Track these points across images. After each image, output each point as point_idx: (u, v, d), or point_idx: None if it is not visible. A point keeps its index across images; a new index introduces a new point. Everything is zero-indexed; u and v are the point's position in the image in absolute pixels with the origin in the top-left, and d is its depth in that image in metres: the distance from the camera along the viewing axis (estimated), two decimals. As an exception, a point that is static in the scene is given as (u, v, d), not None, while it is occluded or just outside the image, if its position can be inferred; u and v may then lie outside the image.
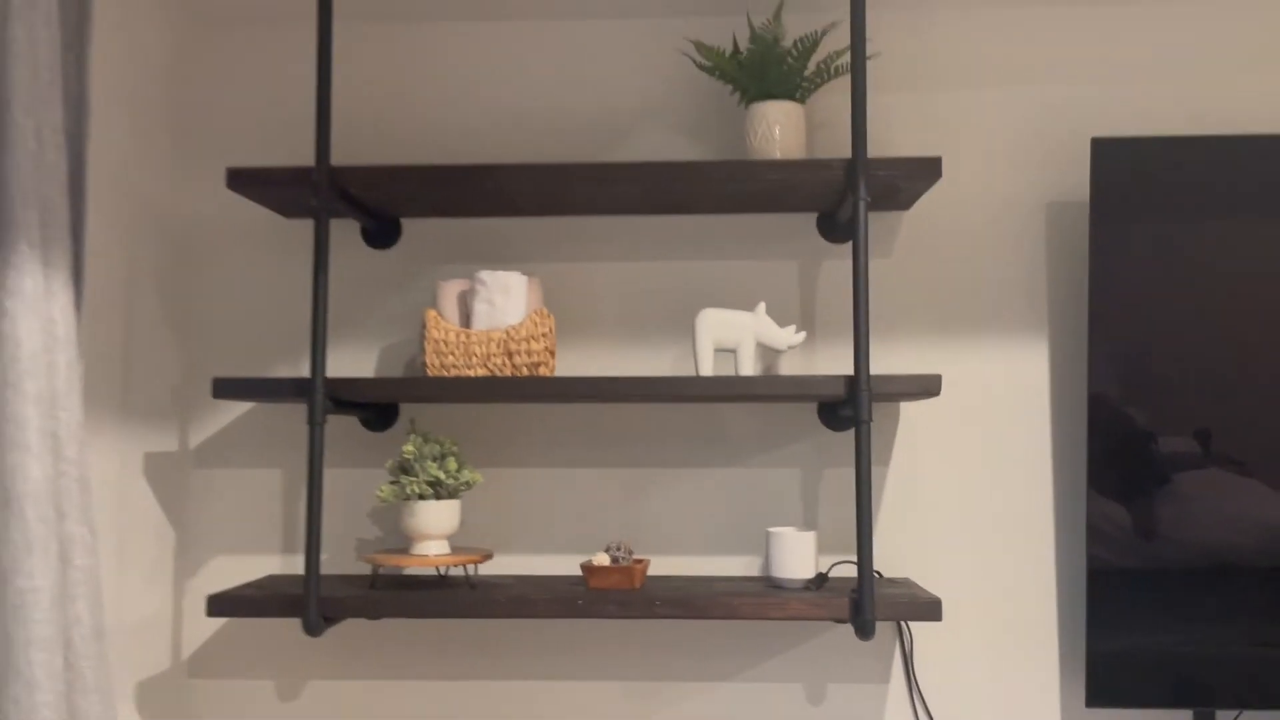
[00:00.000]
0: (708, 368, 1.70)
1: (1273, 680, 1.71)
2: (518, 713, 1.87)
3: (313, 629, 1.62)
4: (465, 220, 1.93)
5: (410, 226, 1.94)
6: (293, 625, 1.90)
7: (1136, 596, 1.71)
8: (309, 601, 1.62)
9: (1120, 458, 1.72)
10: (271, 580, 1.82)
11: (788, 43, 1.75)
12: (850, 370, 1.84)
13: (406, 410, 1.92)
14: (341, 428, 1.91)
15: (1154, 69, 1.87)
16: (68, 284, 1.19)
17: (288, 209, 1.86)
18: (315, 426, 1.63)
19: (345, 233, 1.93)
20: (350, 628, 1.90)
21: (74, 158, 1.26)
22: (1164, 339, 1.72)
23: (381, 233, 1.94)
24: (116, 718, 1.18)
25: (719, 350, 1.72)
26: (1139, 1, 1.88)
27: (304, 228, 1.95)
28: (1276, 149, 1.71)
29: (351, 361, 1.92)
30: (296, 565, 1.92)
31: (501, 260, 1.92)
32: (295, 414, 1.93)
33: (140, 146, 1.82)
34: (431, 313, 1.74)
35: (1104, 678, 1.71)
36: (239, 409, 1.94)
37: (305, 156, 1.94)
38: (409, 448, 1.71)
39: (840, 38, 1.86)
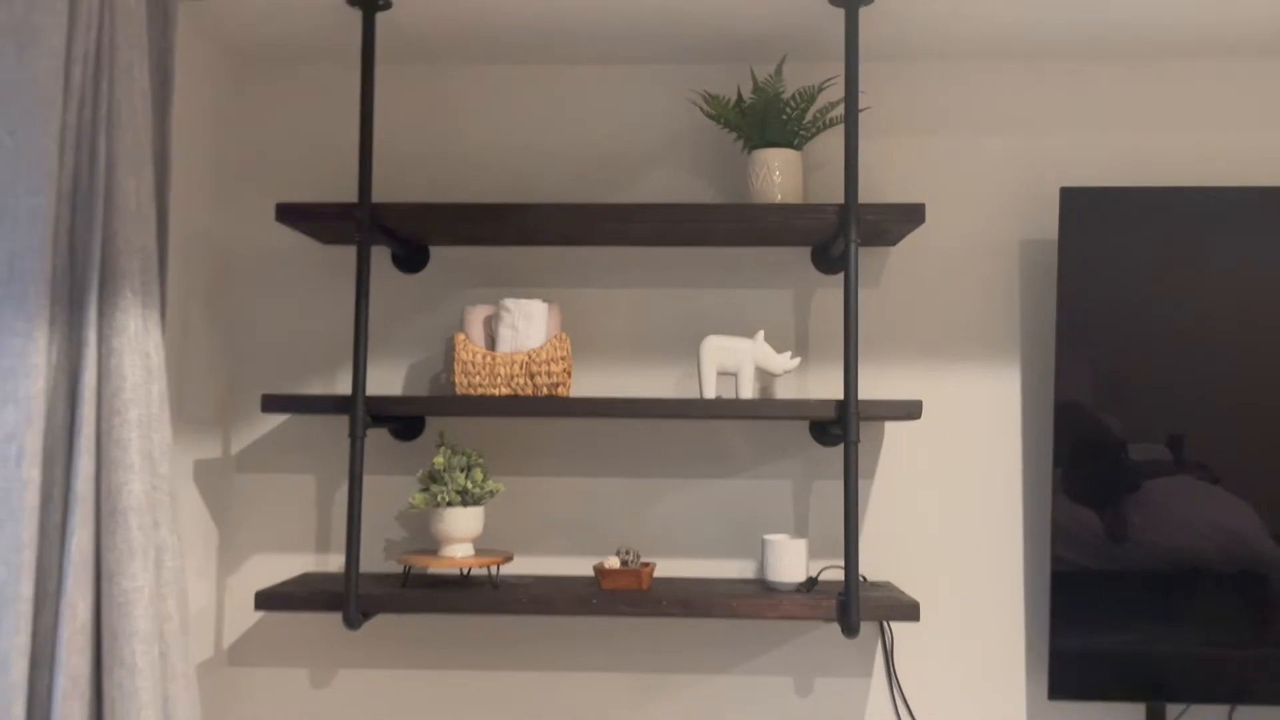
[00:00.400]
0: (711, 390, 1.88)
1: (1219, 676, 1.90)
2: (532, 702, 2.05)
3: (352, 624, 1.79)
4: (489, 249, 2.10)
5: (437, 253, 2.11)
6: (325, 618, 2.07)
7: (1096, 598, 1.90)
8: (349, 599, 1.79)
9: (1083, 471, 1.91)
10: (308, 578, 1.99)
11: (787, 94, 1.93)
12: (840, 393, 2.02)
13: (432, 423, 2.09)
14: (371, 438, 2.07)
15: (1116, 124, 2.05)
16: (158, 321, 1.36)
17: (325, 237, 2.02)
18: (356, 439, 1.80)
19: (376, 257, 2.10)
20: (377, 621, 2.07)
21: (160, 207, 1.42)
22: (1124, 363, 1.91)
23: (410, 259, 2.10)
24: (197, 700, 1.35)
25: (721, 373, 1.90)
26: (1104, 61, 2.06)
27: (338, 253, 2.12)
28: (1223, 198, 1.90)
29: (380, 377, 2.09)
30: (329, 564, 2.09)
31: (521, 285, 2.09)
32: (329, 425, 2.09)
33: (190, 179, 1.98)
34: (460, 336, 1.91)
35: (1064, 673, 1.90)
36: (277, 420, 2.11)
37: (334, 187, 2.10)
38: (439, 460, 1.88)
39: (834, 90, 2.04)
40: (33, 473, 1.18)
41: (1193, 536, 1.90)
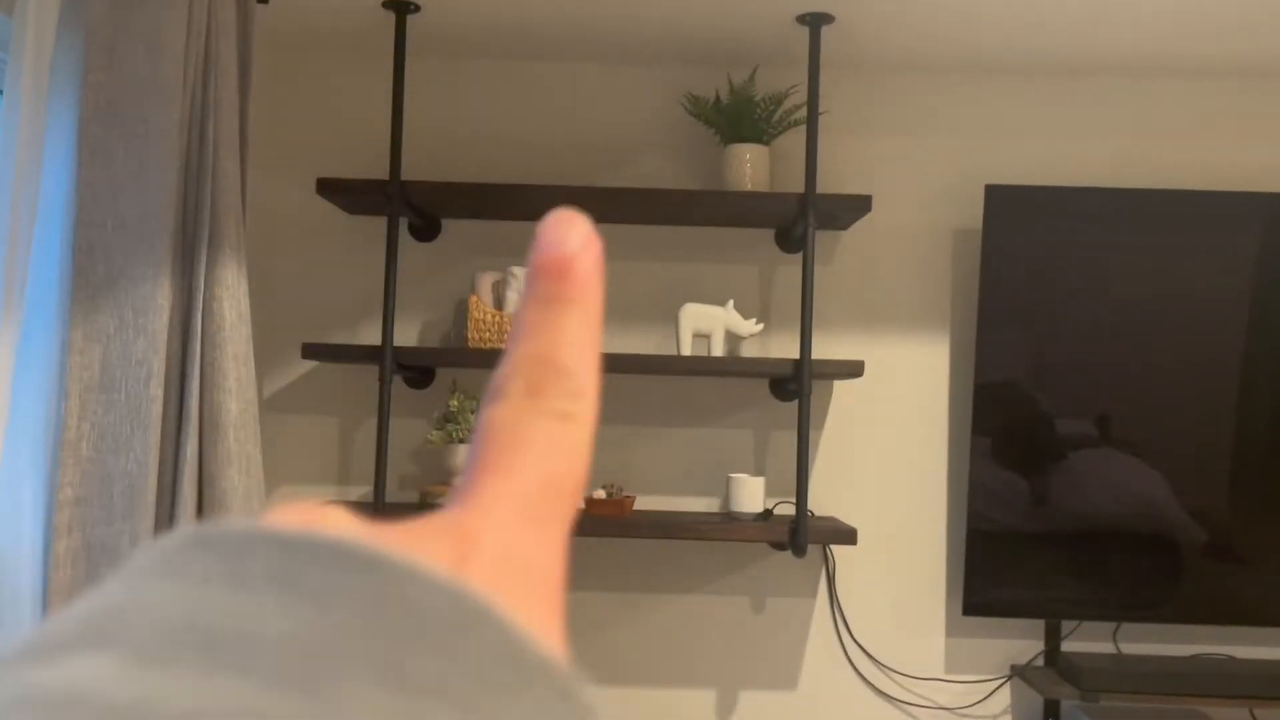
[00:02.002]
0: (687, 349, 2.21)
1: (1109, 602, 2.27)
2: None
3: (379, 539, 2.10)
4: (495, 222, 2.41)
5: (449, 225, 2.41)
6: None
7: (1004, 535, 2.26)
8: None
9: (996, 431, 2.27)
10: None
11: (758, 97, 2.25)
12: (796, 355, 2.35)
13: (441, 374, 2.40)
14: (390, 385, 2.38)
15: (1038, 129, 2.41)
16: (245, 274, 1.66)
17: (353, 209, 2.32)
18: (385, 384, 2.11)
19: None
20: (393, 545, 2.38)
21: (242, 179, 1.72)
22: (1035, 337, 2.27)
23: (425, 229, 2.40)
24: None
25: (696, 335, 2.23)
26: (1028, 76, 2.41)
27: (359, 222, 2.41)
28: (1131, 199, 2.26)
29: (396, 333, 2.39)
30: (349, 495, 2.40)
31: (523, 255, 2.40)
32: (350, 373, 2.39)
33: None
34: (474, 298, 2.22)
35: (975, 596, 2.26)
36: (303, 368, 2.41)
37: (355, 163, 2.40)
38: (454, 402, 2.20)
39: (799, 94, 2.36)
40: (157, 391, 1.48)
41: (1105, 502, 2.26)
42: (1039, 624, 2.35)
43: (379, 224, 2.41)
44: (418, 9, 2.13)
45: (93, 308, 1.45)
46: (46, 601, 1.42)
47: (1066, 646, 2.34)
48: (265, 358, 2.40)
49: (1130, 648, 2.34)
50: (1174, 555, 2.24)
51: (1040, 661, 2.34)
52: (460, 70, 2.42)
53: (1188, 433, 2.24)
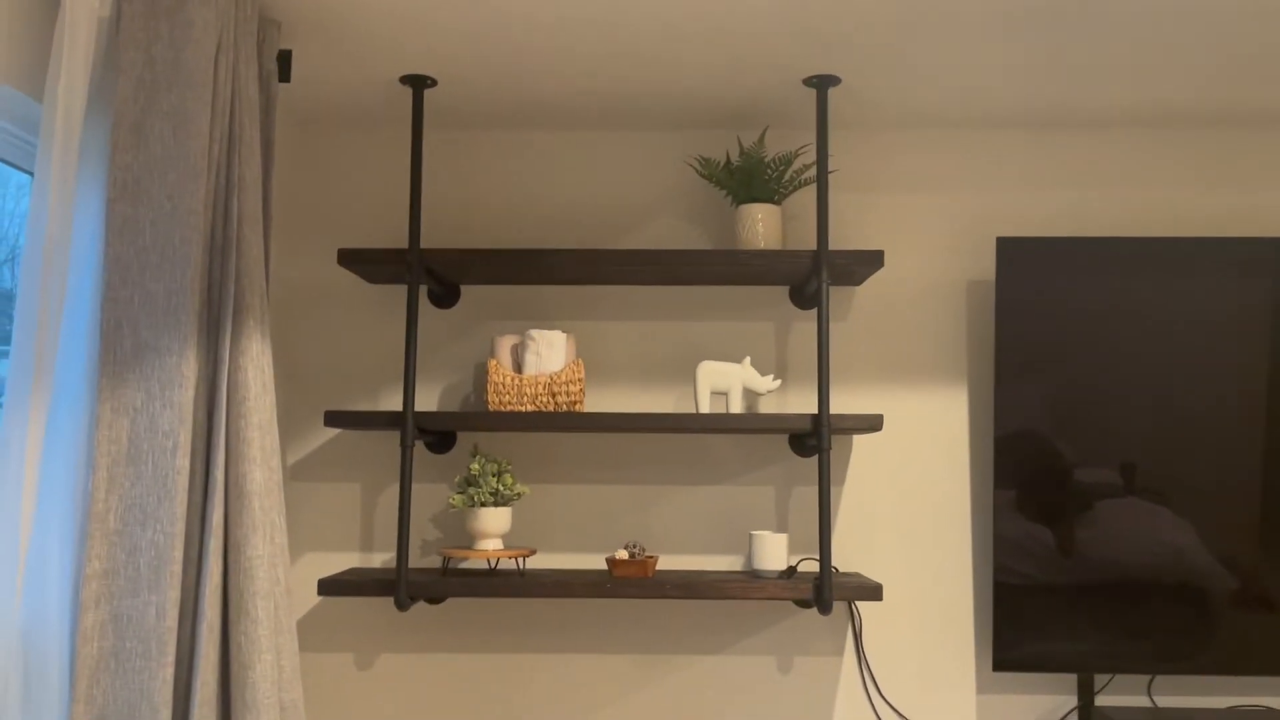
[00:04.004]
0: (705, 407, 2.22)
1: (1138, 651, 2.23)
2: (549, 682, 2.36)
3: (402, 606, 2.10)
4: (513, 287, 2.44)
5: (468, 291, 2.45)
6: (368, 607, 2.38)
7: (1031, 588, 2.24)
8: (400, 584, 2.10)
9: (1019, 482, 2.26)
10: (356, 571, 2.30)
11: (768, 158, 2.29)
12: (815, 410, 2.36)
13: (462, 439, 2.41)
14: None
15: (1047, 182, 2.43)
16: (269, 345, 1.68)
17: (373, 278, 2.36)
18: (406, 449, 2.12)
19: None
20: (414, 610, 2.38)
21: (265, 252, 1.75)
22: (1053, 387, 2.26)
23: (445, 295, 2.44)
24: (297, 649, 1.66)
25: (713, 393, 2.24)
26: (1035, 129, 2.44)
27: (378, 291, 2.45)
28: (1138, 247, 2.27)
29: (417, 398, 2.42)
30: (372, 561, 2.40)
31: (541, 319, 2.43)
32: (371, 440, 2.41)
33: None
34: (493, 362, 2.24)
35: (1005, 651, 2.23)
36: (325, 436, 2.43)
37: (375, 233, 2.44)
38: (475, 466, 2.21)
39: (808, 154, 2.40)
40: (184, 462, 1.50)
41: (1133, 552, 2.23)
42: (1071, 678, 2.32)
43: (399, 292, 2.45)
44: (434, 83, 2.19)
45: (120, 382, 1.48)
46: (74, 675, 1.43)
47: (1101, 700, 2.30)
48: (288, 426, 2.43)
49: (1165, 700, 2.30)
50: (1206, 605, 2.21)
51: (1074, 717, 2.30)
52: (476, 140, 2.48)
53: (1213, 478, 2.23)
